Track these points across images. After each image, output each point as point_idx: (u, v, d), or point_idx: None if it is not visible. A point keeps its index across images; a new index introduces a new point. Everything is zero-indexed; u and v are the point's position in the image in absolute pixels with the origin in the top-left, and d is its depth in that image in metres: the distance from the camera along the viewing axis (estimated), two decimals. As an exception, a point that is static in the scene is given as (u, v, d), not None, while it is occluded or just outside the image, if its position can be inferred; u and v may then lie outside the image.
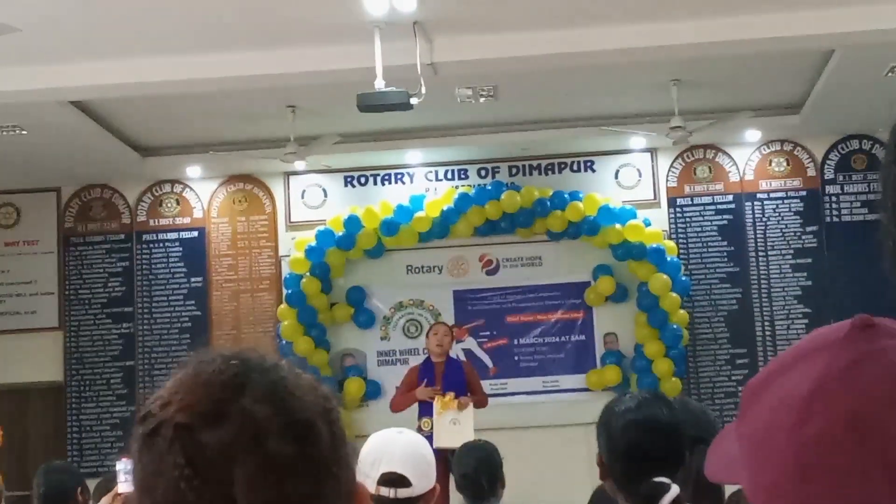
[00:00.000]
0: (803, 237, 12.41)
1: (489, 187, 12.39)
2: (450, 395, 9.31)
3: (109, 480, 5.97)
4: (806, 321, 12.23)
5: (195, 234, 12.80)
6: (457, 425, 9.13)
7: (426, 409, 9.46)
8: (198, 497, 1.20)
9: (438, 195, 12.43)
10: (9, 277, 12.77)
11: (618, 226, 12.03)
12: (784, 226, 12.44)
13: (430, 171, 12.69)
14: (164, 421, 1.24)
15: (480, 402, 9.67)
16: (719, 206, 12.56)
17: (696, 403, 3.64)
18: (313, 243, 12.24)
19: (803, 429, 0.98)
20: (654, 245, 12.01)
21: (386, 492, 3.38)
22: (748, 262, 12.42)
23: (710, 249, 12.50)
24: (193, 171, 12.60)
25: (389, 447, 3.49)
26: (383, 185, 12.72)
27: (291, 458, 1.23)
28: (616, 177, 12.62)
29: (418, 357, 11.37)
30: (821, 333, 1.04)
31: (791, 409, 0.99)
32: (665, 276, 11.92)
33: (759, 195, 12.52)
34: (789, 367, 1.03)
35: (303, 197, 12.78)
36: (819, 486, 0.96)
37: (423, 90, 8.80)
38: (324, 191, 12.74)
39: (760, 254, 12.42)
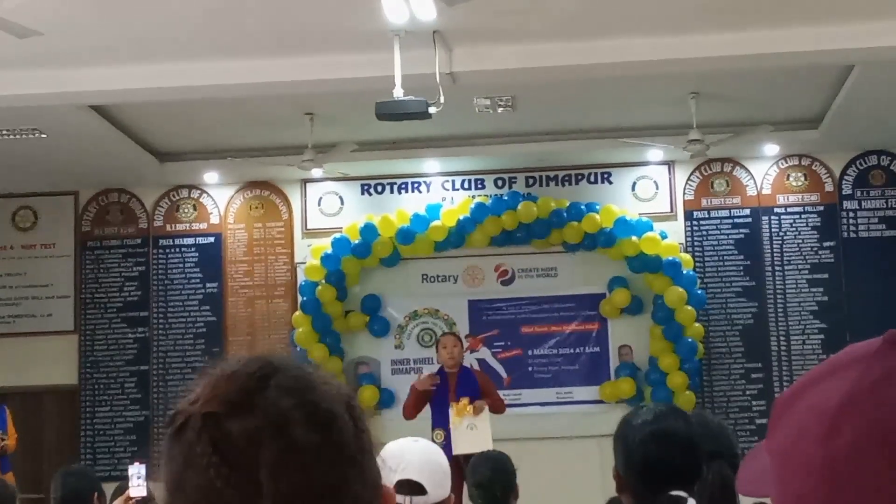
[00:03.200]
0: (820, 252, 12.37)
1: (506, 197, 12.39)
2: (464, 401, 9.26)
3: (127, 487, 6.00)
4: (822, 336, 12.19)
5: (211, 239, 12.82)
6: (474, 430, 9.07)
7: (439, 421, 9.39)
8: (226, 484, 1.22)
9: (455, 204, 12.44)
10: (25, 280, 12.81)
11: (634, 238, 12.01)
12: (801, 241, 12.41)
13: (447, 181, 12.70)
14: (192, 414, 1.26)
15: (496, 405, 9.57)
16: (736, 220, 12.54)
17: (714, 418, 3.63)
18: (329, 251, 12.25)
19: (832, 441, 0.98)
20: (670, 258, 11.98)
21: (402, 499, 3.37)
22: (764, 276, 12.39)
23: (726, 263, 12.48)
24: (211, 176, 12.63)
25: (405, 455, 3.49)
26: (400, 193, 12.73)
27: (316, 445, 1.25)
28: (633, 189, 12.61)
29: (432, 366, 11.35)
30: (852, 349, 1.04)
31: (821, 421, 0.99)
32: (681, 289, 11.90)
33: (776, 209, 12.49)
34: (820, 381, 1.03)
35: (319, 204, 12.79)
36: (847, 498, 0.96)
37: (442, 99, 8.81)
38: (340, 198, 12.76)
39: (777, 268, 12.39)
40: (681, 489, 2.90)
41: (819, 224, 12.44)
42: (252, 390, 1.27)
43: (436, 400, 9.44)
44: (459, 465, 7.35)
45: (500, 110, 10.81)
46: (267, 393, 1.27)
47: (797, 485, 0.99)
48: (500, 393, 10.15)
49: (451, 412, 9.21)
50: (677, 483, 2.91)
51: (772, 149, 12.29)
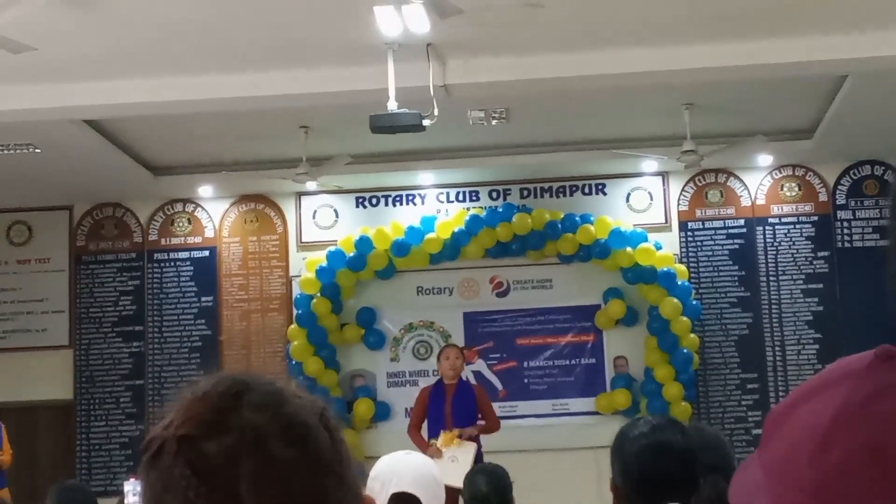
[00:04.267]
0: (815, 262, 12.39)
1: (500, 209, 12.40)
2: (455, 433, 9.22)
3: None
4: (817, 347, 12.21)
5: (206, 253, 12.82)
6: (454, 463, 9.03)
7: (434, 432, 9.41)
8: (207, 503, 1.22)
9: (450, 217, 12.44)
10: (20, 295, 12.80)
11: (629, 249, 12.03)
12: (795, 251, 12.42)
13: (442, 193, 12.71)
14: (167, 439, 1.26)
15: (491, 428, 9.58)
16: (731, 231, 12.55)
17: (711, 430, 3.63)
18: (324, 264, 12.25)
19: (824, 457, 0.98)
20: (665, 269, 12.00)
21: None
22: (759, 286, 12.41)
23: (721, 274, 12.49)
24: (205, 190, 12.64)
25: (400, 468, 3.50)
26: (395, 206, 12.74)
27: (293, 458, 1.26)
28: (627, 200, 12.62)
29: (428, 378, 11.37)
30: (844, 362, 1.04)
31: (813, 436, 0.99)
32: (676, 300, 11.90)
33: (770, 220, 12.51)
34: (812, 396, 1.03)
35: (314, 217, 12.80)
36: None
37: (436, 112, 8.83)
38: (335, 211, 12.76)
39: (772, 279, 12.40)
40: (678, 501, 2.90)
41: (813, 234, 12.46)
42: (225, 409, 1.27)
43: (432, 412, 9.46)
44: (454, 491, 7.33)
45: (494, 122, 10.82)
46: (240, 411, 1.27)
47: (789, 499, 0.99)
48: (496, 406, 10.15)
49: (440, 439, 9.19)
50: (674, 495, 2.91)
51: (765, 159, 12.31)
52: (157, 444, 1.28)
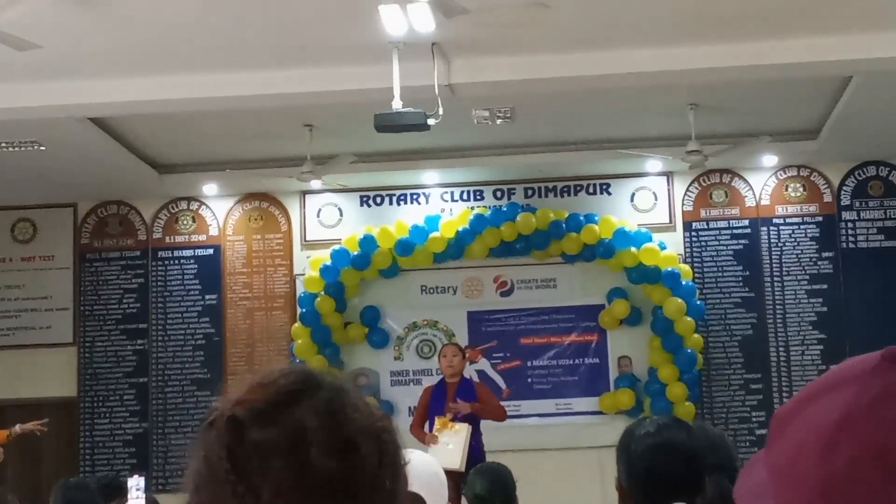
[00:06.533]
0: (819, 263, 12.38)
1: (505, 209, 12.39)
2: (448, 417, 9.28)
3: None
4: (821, 347, 12.19)
5: (210, 251, 12.82)
6: (448, 448, 9.10)
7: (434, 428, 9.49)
8: (233, 492, 1.21)
9: (454, 216, 12.44)
10: (24, 293, 12.81)
11: (633, 249, 12.02)
12: (800, 251, 12.41)
13: (446, 192, 12.71)
14: (221, 413, 1.26)
15: (494, 412, 9.59)
16: (735, 231, 12.54)
17: (715, 430, 3.63)
18: (328, 262, 12.26)
19: (830, 458, 0.98)
20: (669, 269, 11.99)
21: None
22: (763, 287, 12.40)
23: (725, 274, 12.48)
24: (210, 188, 12.64)
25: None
26: (399, 205, 12.74)
27: (329, 472, 1.23)
28: (632, 200, 12.62)
29: (431, 377, 11.37)
30: (850, 364, 1.04)
31: (819, 438, 0.99)
32: (680, 300, 11.90)
33: (775, 220, 12.50)
34: (818, 396, 1.03)
35: (318, 216, 12.80)
36: None
37: (441, 111, 8.82)
38: (339, 210, 12.76)
39: (776, 279, 12.39)
40: (683, 501, 2.90)
41: (818, 235, 12.44)
42: (281, 403, 1.26)
43: (434, 410, 9.49)
44: (455, 479, 7.35)
45: (498, 122, 10.82)
46: (294, 409, 1.25)
47: (796, 502, 0.99)
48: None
49: (436, 424, 9.27)
50: (680, 495, 2.91)
51: (770, 159, 12.30)
52: (213, 416, 1.28)
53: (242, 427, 1.24)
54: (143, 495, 5.90)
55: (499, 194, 12.69)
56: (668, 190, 12.64)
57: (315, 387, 1.28)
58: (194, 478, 1.28)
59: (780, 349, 12.30)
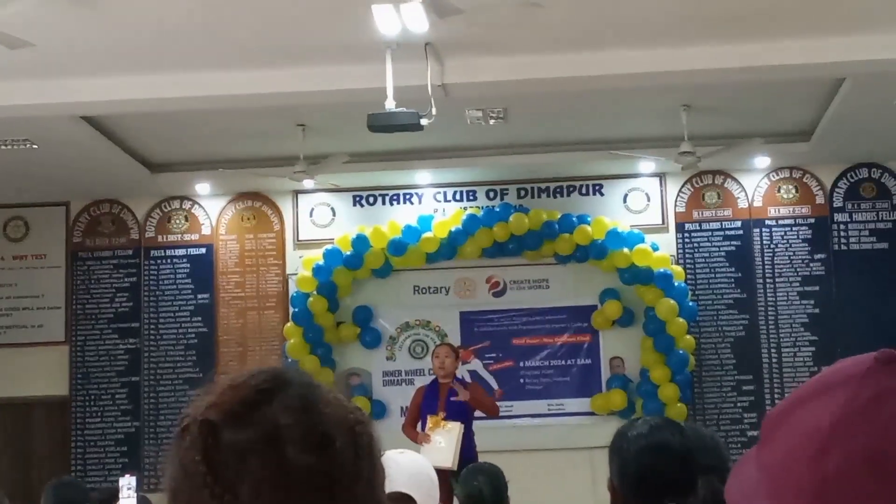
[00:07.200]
0: (811, 265, 12.39)
1: (497, 209, 12.39)
2: (440, 416, 9.33)
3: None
4: (813, 349, 12.21)
5: (203, 250, 12.81)
6: (440, 446, 9.16)
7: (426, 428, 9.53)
8: (210, 495, 1.21)
9: (447, 216, 12.44)
10: (16, 291, 12.78)
11: (625, 250, 12.03)
12: (792, 253, 12.42)
13: (439, 192, 12.70)
14: (194, 419, 1.26)
15: (486, 406, 9.69)
16: (727, 232, 12.55)
17: (707, 430, 3.63)
18: (321, 262, 12.25)
19: (822, 462, 0.98)
20: (662, 270, 11.99)
21: (392, 512, 3.36)
22: (755, 288, 12.41)
23: (717, 275, 12.49)
24: (202, 187, 12.63)
25: (393, 467, 3.47)
26: (392, 205, 12.73)
27: (306, 467, 1.23)
28: (624, 201, 12.62)
29: (424, 377, 11.38)
30: (843, 366, 1.04)
31: (811, 441, 0.99)
32: (672, 301, 11.90)
33: (767, 222, 12.51)
34: (810, 399, 1.03)
35: (311, 215, 12.79)
36: None
37: (434, 111, 8.82)
38: (332, 210, 12.75)
39: (768, 280, 12.41)
40: (675, 502, 2.90)
41: (810, 236, 12.45)
42: (253, 403, 1.26)
43: (426, 410, 9.53)
44: (447, 478, 7.35)
45: (491, 122, 10.81)
46: (267, 408, 1.26)
47: (788, 503, 0.99)
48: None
49: (428, 422, 9.32)
50: (672, 496, 2.91)
51: (763, 161, 12.31)
52: (185, 422, 1.28)
53: (217, 430, 1.24)
54: (135, 495, 5.88)
55: (491, 195, 12.69)
56: (661, 191, 12.65)
57: (285, 384, 1.28)
58: (171, 483, 1.28)
59: (773, 351, 12.31)
